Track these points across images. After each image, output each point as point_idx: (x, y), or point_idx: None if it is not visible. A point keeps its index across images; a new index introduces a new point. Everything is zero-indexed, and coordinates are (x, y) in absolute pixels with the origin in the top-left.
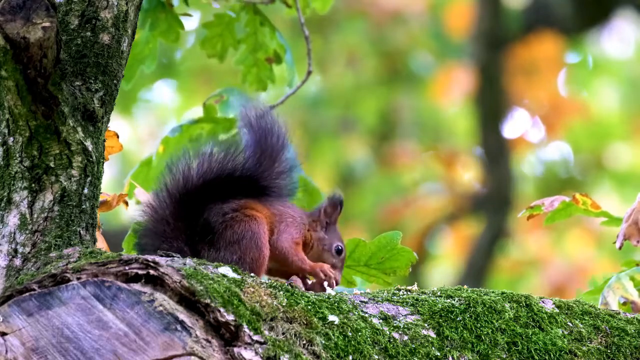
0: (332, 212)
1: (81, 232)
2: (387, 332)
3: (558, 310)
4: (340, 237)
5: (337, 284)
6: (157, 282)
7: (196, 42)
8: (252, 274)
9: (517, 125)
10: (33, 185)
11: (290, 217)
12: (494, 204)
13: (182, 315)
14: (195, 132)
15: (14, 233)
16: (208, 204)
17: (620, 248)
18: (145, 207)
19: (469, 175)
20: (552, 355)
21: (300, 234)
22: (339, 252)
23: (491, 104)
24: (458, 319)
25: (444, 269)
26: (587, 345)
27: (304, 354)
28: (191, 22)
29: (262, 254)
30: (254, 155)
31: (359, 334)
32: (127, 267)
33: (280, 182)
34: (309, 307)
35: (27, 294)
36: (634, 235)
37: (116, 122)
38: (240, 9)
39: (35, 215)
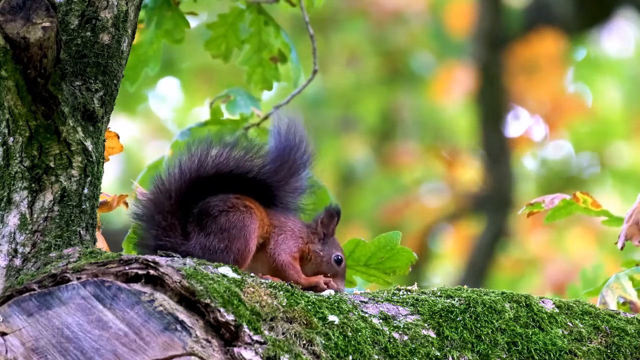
0: (329, 223)
1: (81, 232)
2: (387, 332)
3: (558, 310)
4: (339, 246)
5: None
6: (157, 282)
7: (198, 42)
8: (252, 274)
9: (518, 124)
10: (33, 185)
11: (290, 230)
12: (494, 203)
13: (182, 315)
14: (202, 134)
15: (14, 233)
16: (214, 192)
17: (622, 249)
18: (155, 179)
19: (470, 174)
20: (552, 355)
21: (298, 247)
22: (339, 262)
23: (492, 103)
24: (458, 319)
25: (444, 268)
26: (587, 345)
27: (304, 354)
28: (193, 22)
29: (248, 247)
30: (273, 163)
31: (359, 334)
32: (127, 267)
33: (292, 196)
34: (309, 307)
35: (27, 294)
36: (635, 235)
37: (118, 122)
38: (248, 4)
39: (35, 215)
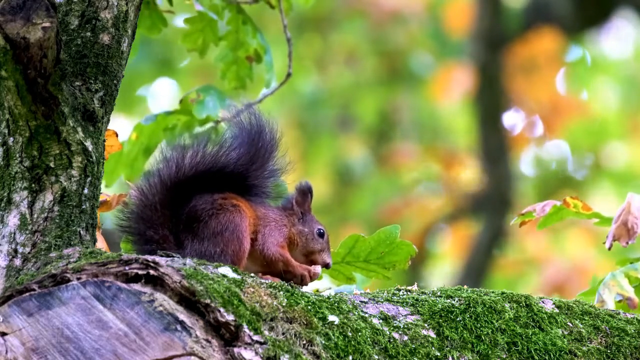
0: (304, 201)
1: (81, 232)
2: (387, 332)
3: (558, 311)
4: (317, 220)
5: (328, 267)
6: (157, 282)
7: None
8: (251, 274)
9: (515, 124)
10: (33, 185)
11: (273, 221)
12: (493, 203)
13: (182, 315)
14: (170, 122)
15: (14, 233)
16: (196, 195)
17: (609, 249)
18: (136, 190)
19: (468, 175)
20: (552, 355)
21: (284, 236)
22: (322, 234)
23: (491, 104)
24: (458, 319)
25: (443, 269)
26: (587, 345)
27: (304, 354)
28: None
29: (243, 247)
30: (247, 154)
31: (359, 334)
32: (127, 267)
33: (270, 181)
34: (309, 307)
35: (27, 294)
36: (623, 236)
37: (116, 121)
38: (223, 7)
39: (35, 216)
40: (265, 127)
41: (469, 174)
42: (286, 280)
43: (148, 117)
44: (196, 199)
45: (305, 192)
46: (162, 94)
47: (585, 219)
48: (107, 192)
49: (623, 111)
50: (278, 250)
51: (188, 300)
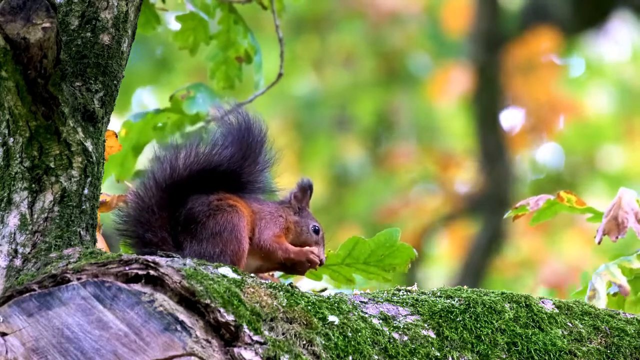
0: (303, 197)
1: (81, 232)
2: (387, 333)
3: (558, 311)
4: (314, 217)
5: (321, 263)
6: (157, 282)
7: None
8: (251, 274)
9: (514, 122)
10: (33, 185)
11: (268, 214)
12: (491, 204)
13: (182, 315)
14: (160, 121)
15: (14, 233)
16: (192, 195)
17: (599, 243)
18: (131, 194)
19: (466, 175)
20: (551, 356)
21: (280, 228)
22: (317, 231)
23: (489, 104)
24: (458, 319)
25: (441, 269)
26: (587, 346)
27: (304, 354)
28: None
29: (242, 247)
30: (239, 150)
31: (359, 334)
32: (127, 268)
33: (264, 174)
34: (309, 307)
35: (27, 294)
36: (613, 230)
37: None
38: (215, 6)
39: (36, 216)
40: (252, 122)
41: (467, 175)
42: (291, 271)
43: (137, 114)
44: (192, 200)
45: (305, 189)
46: (150, 103)
47: (581, 219)
48: (106, 192)
49: (618, 114)
50: (275, 239)
51: (188, 300)
